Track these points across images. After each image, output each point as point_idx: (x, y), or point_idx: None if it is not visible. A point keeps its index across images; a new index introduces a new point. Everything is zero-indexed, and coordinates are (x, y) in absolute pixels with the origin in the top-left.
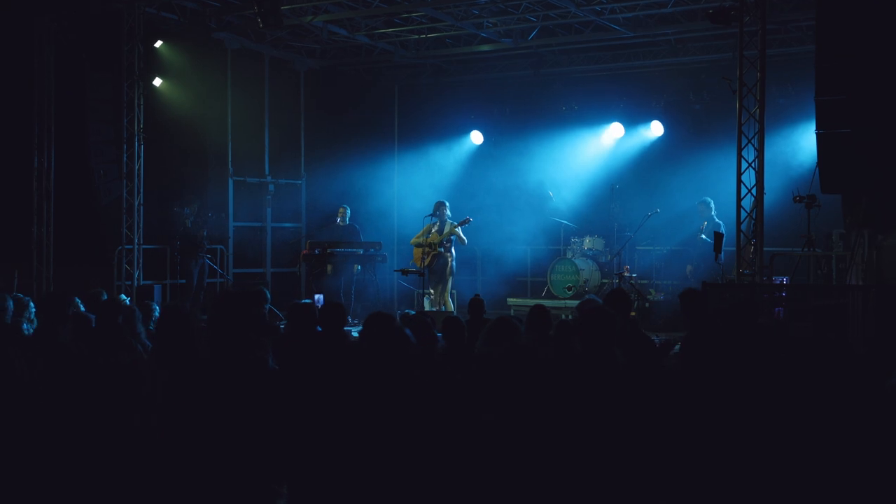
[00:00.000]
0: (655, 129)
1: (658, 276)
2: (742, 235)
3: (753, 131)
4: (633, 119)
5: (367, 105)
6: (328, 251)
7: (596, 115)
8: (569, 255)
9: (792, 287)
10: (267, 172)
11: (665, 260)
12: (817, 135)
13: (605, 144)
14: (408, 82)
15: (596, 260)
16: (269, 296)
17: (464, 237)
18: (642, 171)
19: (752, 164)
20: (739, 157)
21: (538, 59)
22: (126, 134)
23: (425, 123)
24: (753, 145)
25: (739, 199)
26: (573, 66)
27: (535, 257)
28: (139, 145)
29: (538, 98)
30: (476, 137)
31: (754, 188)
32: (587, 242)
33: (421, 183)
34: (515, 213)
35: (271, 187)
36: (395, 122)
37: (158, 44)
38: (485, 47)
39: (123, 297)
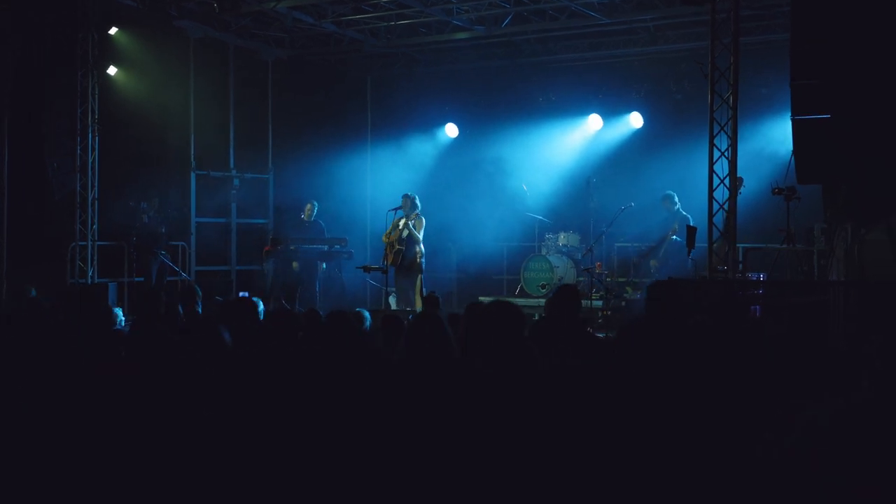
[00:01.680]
0: (635, 120)
1: (638, 274)
2: (714, 229)
3: (727, 118)
4: (611, 110)
5: (338, 96)
6: (291, 248)
7: (574, 106)
8: (543, 251)
9: (768, 284)
10: (232, 166)
11: (643, 256)
12: (793, 121)
13: (582, 136)
14: (381, 73)
15: (571, 256)
16: (199, 292)
17: (416, 234)
18: (621, 163)
19: (725, 154)
20: (711, 145)
21: (514, 48)
22: (80, 125)
23: (399, 115)
24: (726, 133)
25: (711, 189)
26: (550, 55)
27: (512, 254)
28: (93, 137)
29: (514, 89)
30: (451, 130)
31: (728, 178)
32: (562, 238)
33: (395, 177)
34: (491, 208)
35: (236, 181)
36: (368, 114)
37: (113, 31)
38: (458, 35)
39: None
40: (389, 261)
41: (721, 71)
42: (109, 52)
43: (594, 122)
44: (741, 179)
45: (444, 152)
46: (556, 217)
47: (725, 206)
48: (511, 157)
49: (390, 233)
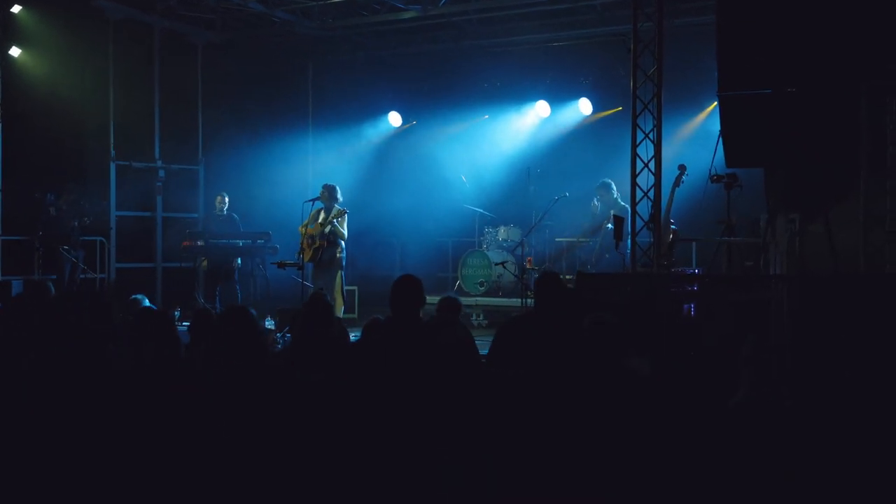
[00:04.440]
0: (584, 106)
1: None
2: (638, 219)
3: (651, 94)
4: (559, 96)
5: (276, 83)
6: (198, 243)
7: (520, 92)
8: (483, 246)
9: (701, 278)
10: (157, 156)
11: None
12: (719, 98)
13: (528, 124)
14: (321, 58)
15: (512, 252)
16: (52, 290)
17: (342, 230)
18: (568, 152)
19: (650, 136)
20: (634, 125)
21: (457, 30)
22: None
23: (342, 103)
24: (650, 112)
25: (634, 175)
26: (494, 37)
27: (457, 250)
28: None
29: (459, 74)
30: (394, 118)
31: (652, 161)
32: (502, 233)
33: (338, 169)
34: (435, 200)
35: (161, 173)
36: (308, 101)
37: (16, 9)
38: (393, 16)
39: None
40: (307, 257)
41: (645, 44)
42: (12, 31)
43: (541, 108)
44: (683, 167)
45: (387, 141)
46: (497, 210)
47: (650, 194)
48: (454, 147)
49: (308, 225)
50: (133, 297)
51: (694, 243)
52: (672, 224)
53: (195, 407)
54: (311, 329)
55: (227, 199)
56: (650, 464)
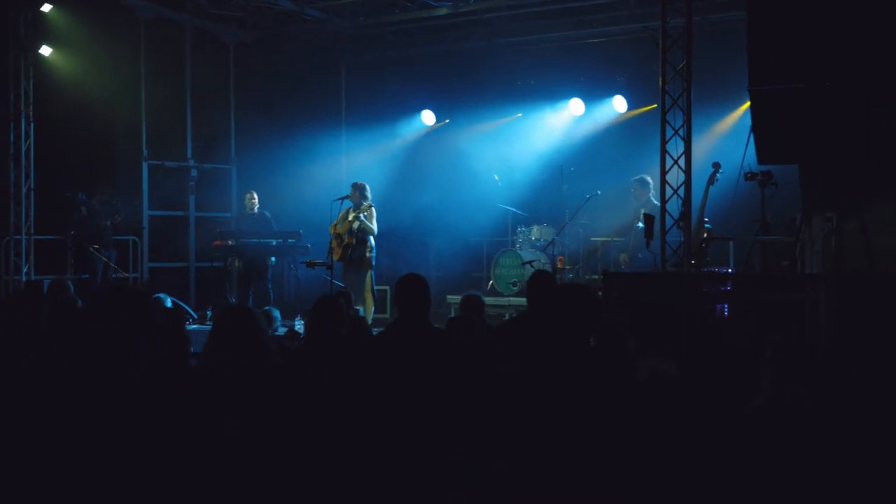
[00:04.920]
0: (618, 103)
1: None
2: (668, 217)
3: (681, 90)
4: (593, 94)
5: (309, 81)
6: (228, 243)
7: (554, 89)
8: (516, 246)
9: (734, 277)
10: (189, 156)
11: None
12: (750, 92)
13: (562, 122)
14: (354, 57)
15: (546, 251)
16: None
17: (371, 226)
18: (602, 150)
19: (679, 132)
20: (664, 121)
21: (490, 27)
22: (13, 110)
23: (374, 102)
24: (680, 107)
25: (663, 172)
26: (527, 34)
27: (491, 250)
28: (27, 123)
29: (492, 72)
30: (427, 117)
31: (682, 158)
32: (535, 232)
33: (371, 167)
34: (470, 200)
35: (194, 172)
36: (342, 100)
37: (46, 8)
38: (423, 13)
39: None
40: (336, 255)
41: (674, 38)
42: (43, 30)
43: (575, 106)
44: (718, 165)
45: (420, 140)
46: (530, 209)
47: (680, 192)
48: (487, 145)
49: (337, 224)
50: (155, 296)
51: (731, 242)
52: (706, 223)
53: (194, 408)
54: (322, 329)
55: (256, 197)
56: (671, 468)
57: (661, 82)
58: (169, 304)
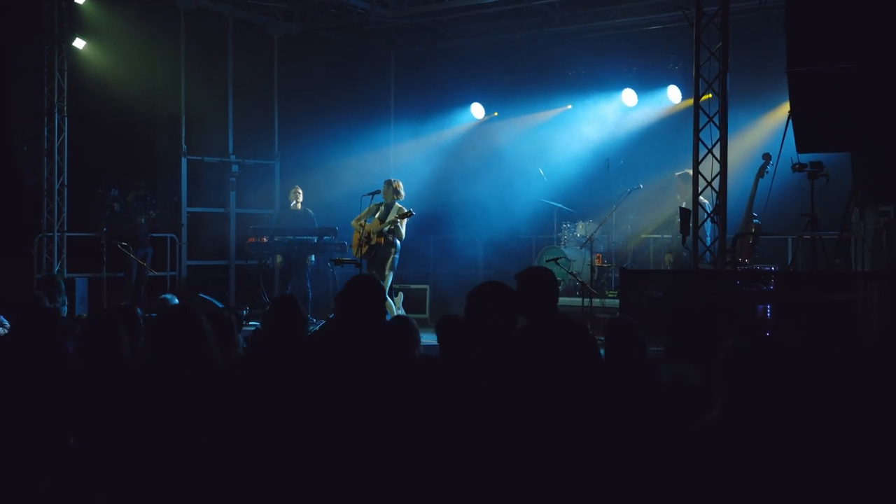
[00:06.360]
0: (672, 94)
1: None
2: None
3: (716, 73)
4: (647, 84)
5: (356, 74)
6: (263, 240)
7: (606, 80)
8: (561, 243)
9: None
10: (231, 151)
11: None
12: (788, 75)
13: (613, 113)
14: (404, 49)
15: (591, 248)
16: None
17: (402, 232)
18: (654, 142)
19: (714, 119)
20: (697, 107)
21: (541, 16)
22: (47, 104)
23: (423, 94)
24: (715, 91)
25: (696, 162)
26: (579, 23)
27: (540, 247)
28: (60, 117)
29: (542, 62)
30: (477, 110)
31: (717, 147)
32: (580, 228)
33: (419, 162)
34: (516, 195)
35: (235, 168)
36: (391, 93)
37: (81, 0)
38: (472, 1)
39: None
40: (363, 252)
41: (709, 17)
42: (76, 23)
43: (628, 97)
44: (768, 156)
45: (469, 132)
46: (577, 205)
47: (715, 184)
48: (535, 138)
49: (365, 220)
50: (162, 296)
51: (790, 238)
52: (755, 218)
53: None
54: (276, 330)
55: (301, 193)
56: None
57: (695, 64)
58: (176, 303)
